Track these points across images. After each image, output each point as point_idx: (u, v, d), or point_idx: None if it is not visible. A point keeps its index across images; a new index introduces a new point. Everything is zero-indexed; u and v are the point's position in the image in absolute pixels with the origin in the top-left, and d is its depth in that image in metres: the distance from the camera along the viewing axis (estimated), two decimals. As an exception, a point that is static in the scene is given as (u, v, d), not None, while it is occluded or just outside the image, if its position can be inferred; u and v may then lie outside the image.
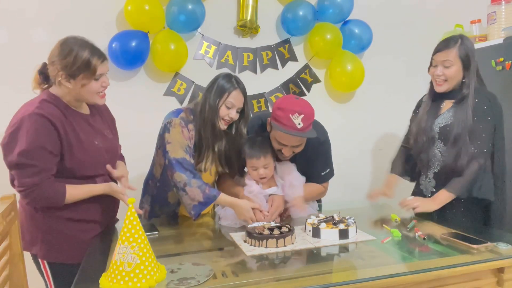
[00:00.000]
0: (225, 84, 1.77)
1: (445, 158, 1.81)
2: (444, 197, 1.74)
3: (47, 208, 1.56)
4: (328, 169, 2.02)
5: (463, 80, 1.79)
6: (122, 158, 1.90)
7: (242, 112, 1.85)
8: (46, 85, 1.62)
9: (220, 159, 1.90)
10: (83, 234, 1.62)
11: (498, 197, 1.80)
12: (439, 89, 1.83)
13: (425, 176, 1.92)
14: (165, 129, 1.78)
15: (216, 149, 1.86)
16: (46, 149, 1.48)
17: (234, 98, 1.77)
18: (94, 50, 1.57)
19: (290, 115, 1.72)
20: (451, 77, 1.78)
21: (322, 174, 2.00)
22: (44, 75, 1.61)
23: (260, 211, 1.76)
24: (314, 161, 1.97)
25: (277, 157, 1.91)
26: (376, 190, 2.06)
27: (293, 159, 1.96)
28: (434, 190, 1.87)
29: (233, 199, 1.76)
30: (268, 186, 1.87)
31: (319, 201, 2.18)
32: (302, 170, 1.97)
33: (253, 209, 1.74)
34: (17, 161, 1.45)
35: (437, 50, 1.82)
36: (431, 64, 1.86)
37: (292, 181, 1.89)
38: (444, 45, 1.80)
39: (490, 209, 1.82)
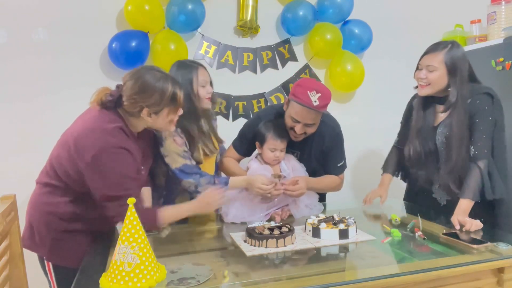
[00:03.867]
0: (186, 70, 1.83)
1: (444, 173, 1.81)
2: (468, 205, 1.68)
3: (66, 219, 1.57)
4: (343, 161, 2.08)
5: (449, 89, 1.76)
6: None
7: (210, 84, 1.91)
8: (108, 106, 1.54)
9: (211, 135, 1.93)
10: (92, 243, 1.61)
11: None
12: (422, 92, 1.82)
13: (437, 185, 1.91)
14: (158, 143, 1.81)
15: (204, 129, 1.89)
16: (135, 178, 1.50)
17: (203, 75, 1.84)
18: (174, 82, 1.54)
19: (308, 91, 1.82)
20: (433, 82, 1.77)
21: (338, 165, 2.06)
22: (114, 103, 1.53)
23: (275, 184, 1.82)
24: (331, 152, 2.05)
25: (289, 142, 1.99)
26: (371, 194, 2.07)
27: (310, 150, 2.03)
28: (449, 198, 1.87)
29: (244, 177, 1.86)
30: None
31: (323, 200, 2.19)
32: (318, 161, 2.05)
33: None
34: (113, 194, 1.45)
35: (424, 53, 1.82)
36: (417, 68, 1.85)
37: (294, 170, 1.99)
38: (432, 48, 1.79)
39: (494, 208, 1.80)
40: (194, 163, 1.80)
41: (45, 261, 1.62)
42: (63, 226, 1.58)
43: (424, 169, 1.91)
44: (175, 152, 1.77)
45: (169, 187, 1.92)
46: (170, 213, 1.60)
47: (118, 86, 1.55)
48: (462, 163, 1.75)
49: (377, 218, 1.94)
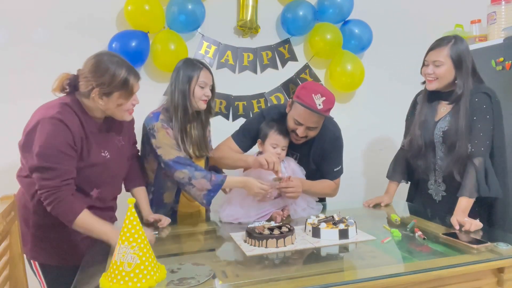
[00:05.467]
0: (190, 68, 1.83)
1: (449, 161, 1.81)
2: (467, 204, 1.68)
3: (38, 212, 1.56)
4: (340, 166, 2.07)
5: (456, 81, 1.79)
6: (135, 166, 1.87)
7: (212, 89, 1.91)
8: (68, 91, 1.58)
9: (199, 142, 1.91)
10: (72, 239, 1.61)
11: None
12: (430, 86, 1.84)
13: (433, 180, 1.92)
14: (149, 135, 1.81)
15: (192, 132, 1.89)
16: (64, 153, 1.47)
17: (205, 77, 1.84)
18: (130, 69, 1.56)
19: (313, 94, 1.81)
20: (441, 76, 1.79)
21: (335, 169, 2.05)
22: (72, 86, 1.57)
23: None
24: (329, 155, 2.03)
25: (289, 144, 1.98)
26: (375, 199, 2.10)
27: (309, 152, 2.02)
28: (444, 194, 1.88)
29: (241, 178, 1.83)
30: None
31: (323, 200, 2.19)
32: (315, 164, 2.04)
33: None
34: (37, 164, 1.44)
35: (429, 49, 1.84)
36: (423, 64, 1.87)
37: (294, 173, 1.97)
38: (436, 44, 1.82)
39: (492, 208, 1.80)
40: (187, 156, 1.80)
41: (31, 261, 1.61)
42: (38, 220, 1.58)
43: (421, 162, 1.92)
44: (167, 144, 1.77)
45: (157, 183, 1.91)
46: (87, 220, 1.46)
47: (78, 70, 1.57)
48: (467, 153, 1.75)
49: (377, 218, 1.94)
